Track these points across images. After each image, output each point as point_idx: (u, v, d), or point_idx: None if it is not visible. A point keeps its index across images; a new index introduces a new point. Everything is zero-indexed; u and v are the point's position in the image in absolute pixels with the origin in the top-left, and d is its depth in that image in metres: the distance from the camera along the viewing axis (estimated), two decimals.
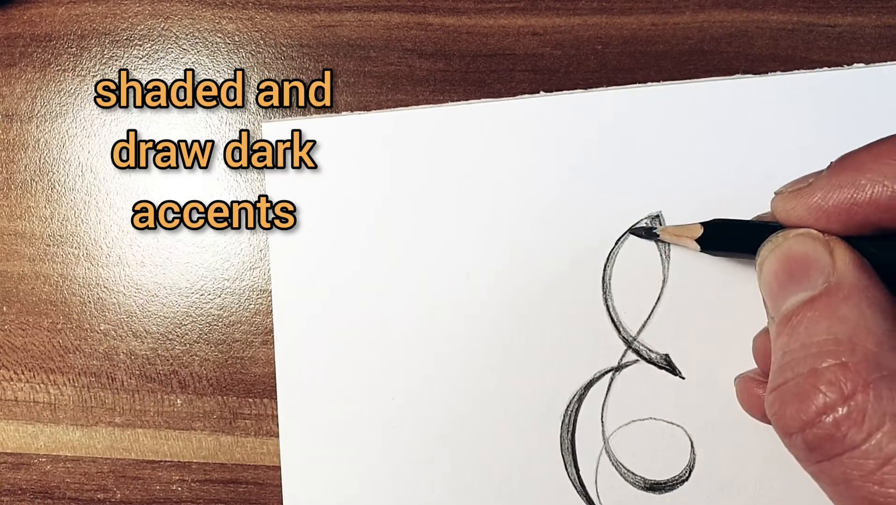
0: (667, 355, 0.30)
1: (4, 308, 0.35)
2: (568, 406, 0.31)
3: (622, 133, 0.31)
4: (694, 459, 0.30)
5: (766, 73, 0.31)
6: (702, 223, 0.29)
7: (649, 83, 0.31)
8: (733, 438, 0.30)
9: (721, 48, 0.32)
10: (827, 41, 0.32)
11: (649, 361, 0.31)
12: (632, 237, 0.31)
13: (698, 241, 0.29)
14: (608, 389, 0.31)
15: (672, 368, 0.30)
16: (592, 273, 0.31)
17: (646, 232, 0.30)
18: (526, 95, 0.32)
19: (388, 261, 0.32)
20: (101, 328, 0.34)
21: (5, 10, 0.35)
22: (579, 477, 0.31)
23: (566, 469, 0.31)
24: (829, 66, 0.31)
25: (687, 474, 0.30)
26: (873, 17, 0.32)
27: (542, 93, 0.32)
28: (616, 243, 0.31)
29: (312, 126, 0.32)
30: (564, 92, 0.32)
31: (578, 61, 0.33)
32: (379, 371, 0.32)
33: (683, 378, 0.30)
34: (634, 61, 0.33)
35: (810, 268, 0.23)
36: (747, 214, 0.30)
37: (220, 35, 0.34)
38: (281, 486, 0.33)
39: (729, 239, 0.28)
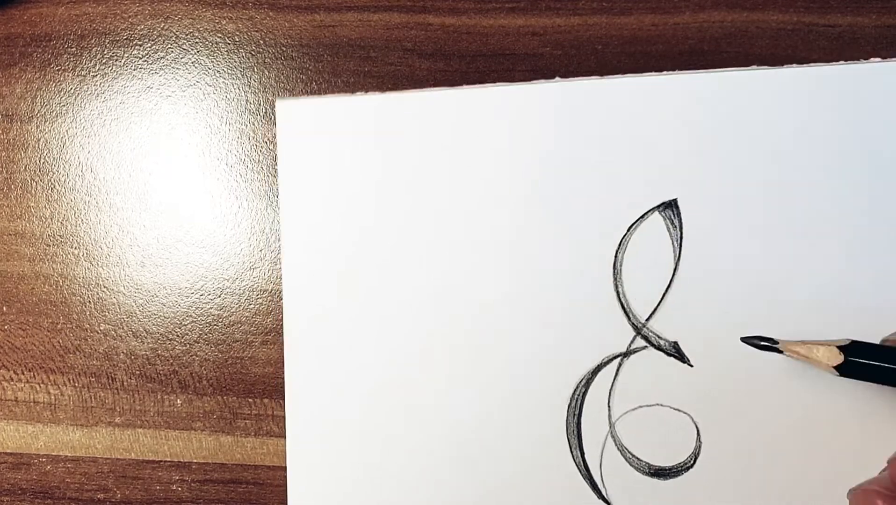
0: (676, 343, 0.30)
1: (4, 308, 0.35)
2: (575, 390, 0.31)
3: (636, 120, 0.31)
4: (700, 446, 0.30)
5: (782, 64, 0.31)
6: (840, 347, 0.27)
7: (664, 72, 0.31)
8: (739, 426, 0.30)
9: (721, 48, 0.32)
10: (827, 41, 0.32)
11: (658, 348, 0.31)
12: (643, 224, 0.31)
13: (838, 368, 0.27)
14: (616, 374, 0.31)
15: (681, 356, 0.30)
16: (604, 259, 0.31)
17: (766, 344, 0.29)
18: (542, 80, 0.32)
19: (399, 246, 0.32)
20: (101, 328, 0.34)
21: (5, 10, 0.35)
22: (584, 460, 0.31)
23: (571, 452, 0.31)
24: None
25: (692, 461, 0.30)
26: (873, 17, 0.32)
27: (557, 78, 0.32)
28: (628, 230, 0.31)
29: (325, 105, 0.32)
30: (581, 78, 0.31)
31: (578, 61, 0.33)
32: (386, 354, 0.32)
33: (692, 366, 0.30)
34: (634, 61, 0.33)
35: None
36: (762, 201, 0.30)
37: (220, 35, 0.34)
38: (281, 486, 0.33)
39: (869, 367, 0.27)
